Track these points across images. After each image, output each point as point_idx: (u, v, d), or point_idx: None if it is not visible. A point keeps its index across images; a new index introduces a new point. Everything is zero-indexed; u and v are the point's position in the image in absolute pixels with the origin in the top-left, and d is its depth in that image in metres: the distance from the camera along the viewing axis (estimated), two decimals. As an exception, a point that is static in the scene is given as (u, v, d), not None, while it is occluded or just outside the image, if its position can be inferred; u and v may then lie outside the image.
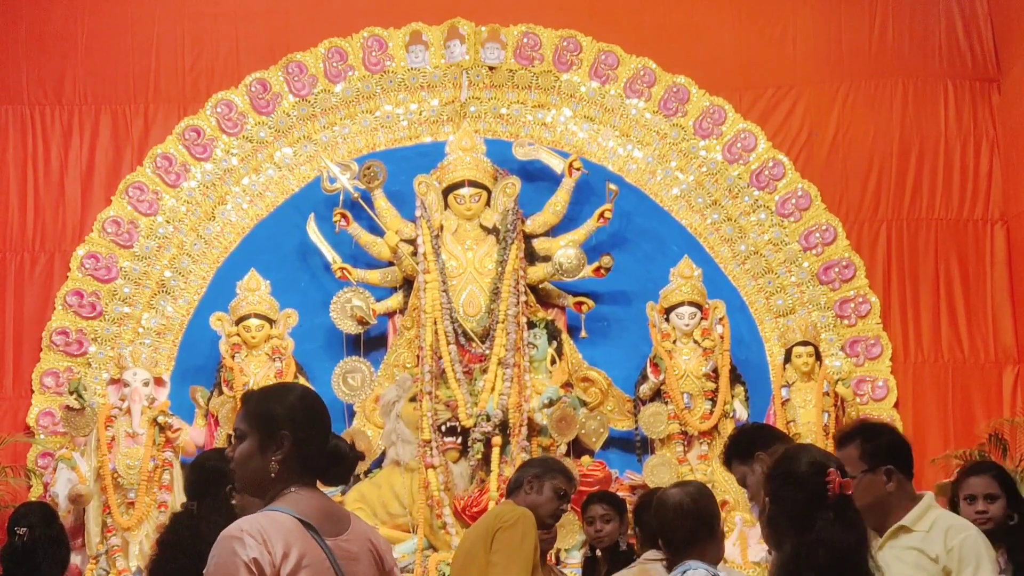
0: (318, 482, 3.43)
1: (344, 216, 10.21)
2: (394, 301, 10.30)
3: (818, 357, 10.03)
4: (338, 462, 3.40)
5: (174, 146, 10.61)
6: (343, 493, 9.37)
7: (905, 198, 10.83)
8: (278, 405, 3.37)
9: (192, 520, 4.58)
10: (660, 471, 9.61)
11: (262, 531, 3.14)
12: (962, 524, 4.35)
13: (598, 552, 6.42)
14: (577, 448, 9.81)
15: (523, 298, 10.00)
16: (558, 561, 8.93)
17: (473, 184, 10.11)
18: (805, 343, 10.01)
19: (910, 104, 10.93)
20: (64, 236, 10.63)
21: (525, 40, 10.81)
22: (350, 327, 10.07)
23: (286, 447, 3.31)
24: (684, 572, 3.93)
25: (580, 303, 10.23)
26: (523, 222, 10.21)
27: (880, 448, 4.40)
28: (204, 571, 3.16)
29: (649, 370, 10.02)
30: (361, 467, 9.69)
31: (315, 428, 3.38)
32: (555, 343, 10.07)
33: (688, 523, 4.07)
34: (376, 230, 10.27)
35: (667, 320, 10.10)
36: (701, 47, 10.99)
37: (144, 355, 9.84)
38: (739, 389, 10.10)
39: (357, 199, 10.27)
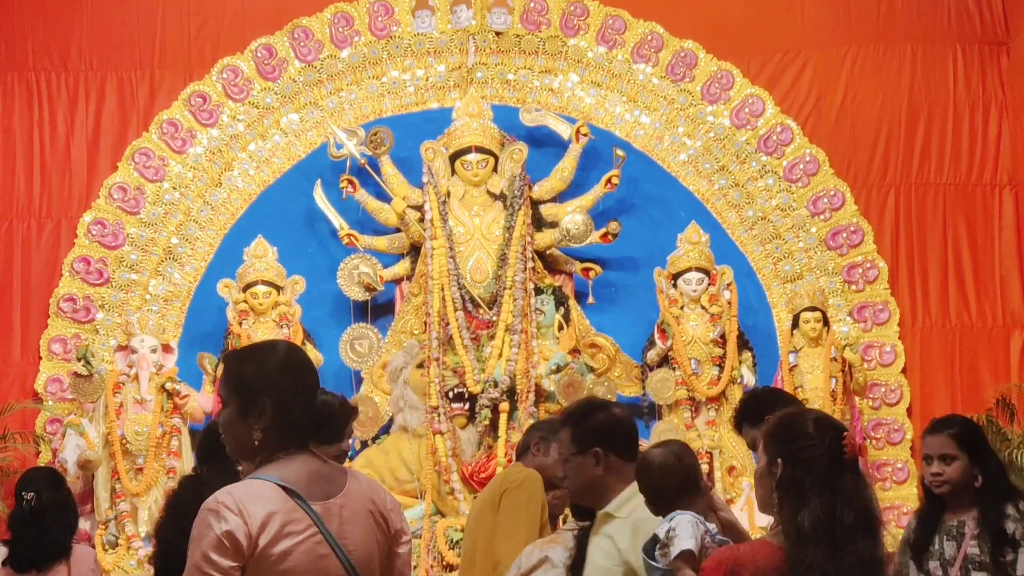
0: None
1: (351, 182, 10.20)
2: (401, 267, 10.29)
3: (826, 323, 10.02)
4: (328, 419, 3.32)
5: (180, 112, 10.59)
6: (351, 459, 9.40)
7: (913, 163, 10.79)
8: (256, 370, 3.26)
9: (197, 484, 4.60)
10: (667, 437, 9.59)
11: (239, 502, 3.07)
12: (650, 521, 4.18)
13: None
14: (584, 414, 9.80)
15: (530, 264, 9.99)
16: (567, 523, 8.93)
17: (480, 150, 10.08)
18: (813, 309, 9.99)
19: (918, 68, 10.88)
20: (71, 203, 10.62)
21: (532, 5, 10.76)
22: (357, 293, 10.07)
23: (268, 413, 3.21)
24: (671, 519, 3.96)
25: (587, 269, 10.23)
26: (530, 188, 10.19)
27: (589, 430, 4.36)
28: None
29: (656, 336, 10.02)
30: (369, 433, 9.72)
31: (297, 390, 3.26)
32: (562, 309, 10.07)
33: (674, 480, 4.10)
34: (383, 196, 10.26)
35: (674, 286, 10.08)
36: (709, 12, 10.93)
37: (151, 322, 9.85)
38: (747, 355, 10.10)
39: (364, 165, 10.25)
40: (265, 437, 3.22)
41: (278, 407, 3.22)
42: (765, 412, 4.62)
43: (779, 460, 3.43)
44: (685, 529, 3.87)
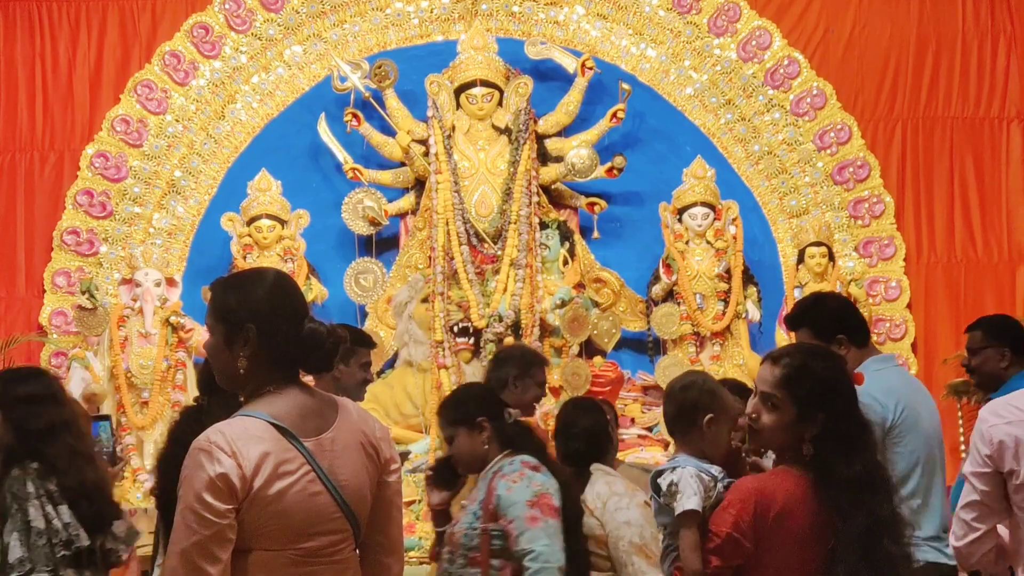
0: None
1: (355, 116, 10.13)
2: (406, 202, 10.26)
3: (831, 258, 10.01)
4: (315, 348, 3.22)
5: (182, 43, 10.50)
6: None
7: (921, 96, 10.74)
8: (241, 296, 3.21)
9: (199, 414, 4.60)
10: (672, 372, 9.58)
11: (232, 442, 3.04)
12: None
13: None
14: (589, 349, 9.84)
15: (535, 199, 9.96)
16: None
17: (485, 84, 10.00)
18: (818, 243, 9.98)
19: (927, 1, 10.79)
20: (73, 135, 10.57)
21: (537, -65, 10.65)
22: (362, 228, 10.04)
23: (252, 341, 3.16)
24: (673, 470, 3.83)
25: (593, 204, 10.19)
26: (535, 122, 10.13)
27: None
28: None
29: (662, 271, 10.01)
30: (374, 368, 9.71)
31: (284, 318, 3.20)
32: (567, 244, 10.05)
33: (670, 408, 4.06)
34: (387, 130, 10.20)
35: (680, 220, 10.06)
36: (716, -58, 10.82)
37: (155, 255, 9.84)
38: (752, 290, 10.09)
39: (368, 99, 10.18)
40: (250, 366, 3.19)
41: (263, 335, 3.17)
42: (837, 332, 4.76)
43: (820, 415, 3.44)
44: (688, 486, 3.73)
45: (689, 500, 3.69)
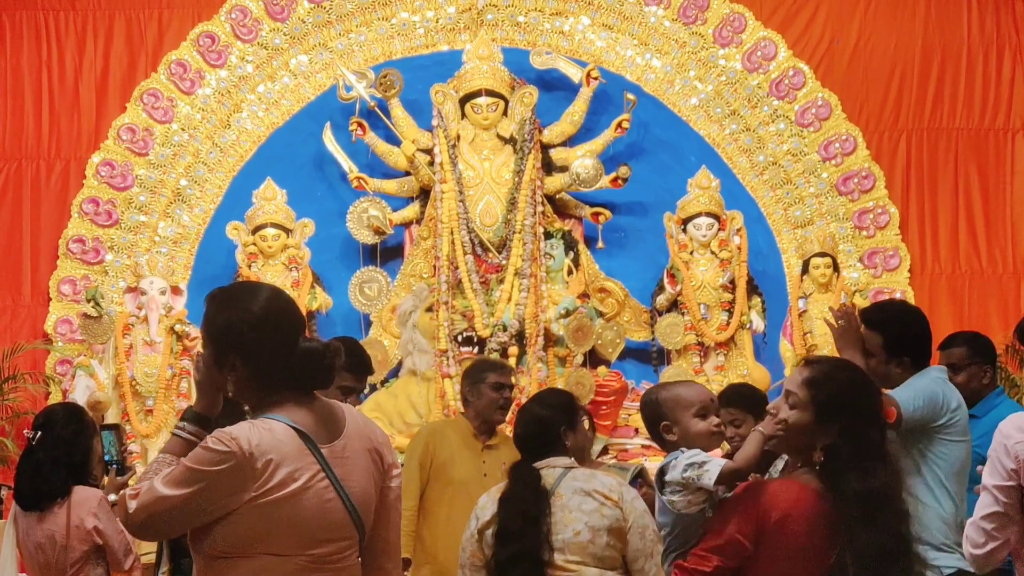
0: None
1: (360, 125, 10.15)
2: (411, 211, 10.27)
3: (836, 268, 10.00)
4: (311, 368, 3.22)
5: (188, 53, 10.53)
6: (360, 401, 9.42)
7: (926, 107, 10.75)
8: (228, 322, 3.20)
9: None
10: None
11: (249, 439, 3.07)
12: None
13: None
14: (593, 358, 9.83)
15: (540, 208, 9.97)
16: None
17: (490, 93, 10.02)
18: (823, 254, 9.98)
19: (933, 11, 10.82)
20: (79, 143, 10.59)
21: (543, -53, 10.67)
22: (367, 237, 10.06)
23: (239, 369, 3.19)
24: (676, 459, 3.78)
25: (597, 213, 10.20)
26: (540, 132, 10.14)
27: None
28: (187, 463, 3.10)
29: (666, 281, 10.01)
30: (378, 377, 9.73)
31: (272, 346, 3.20)
32: (572, 253, 10.06)
33: (645, 413, 4.10)
34: (393, 139, 10.22)
35: (684, 231, 10.07)
36: (721, -47, 10.84)
37: (161, 264, 9.86)
38: (756, 300, 10.10)
39: (373, 108, 10.20)
40: (238, 389, 3.22)
41: (249, 363, 3.19)
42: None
43: (836, 426, 3.43)
44: (702, 457, 3.70)
45: (714, 464, 3.64)
